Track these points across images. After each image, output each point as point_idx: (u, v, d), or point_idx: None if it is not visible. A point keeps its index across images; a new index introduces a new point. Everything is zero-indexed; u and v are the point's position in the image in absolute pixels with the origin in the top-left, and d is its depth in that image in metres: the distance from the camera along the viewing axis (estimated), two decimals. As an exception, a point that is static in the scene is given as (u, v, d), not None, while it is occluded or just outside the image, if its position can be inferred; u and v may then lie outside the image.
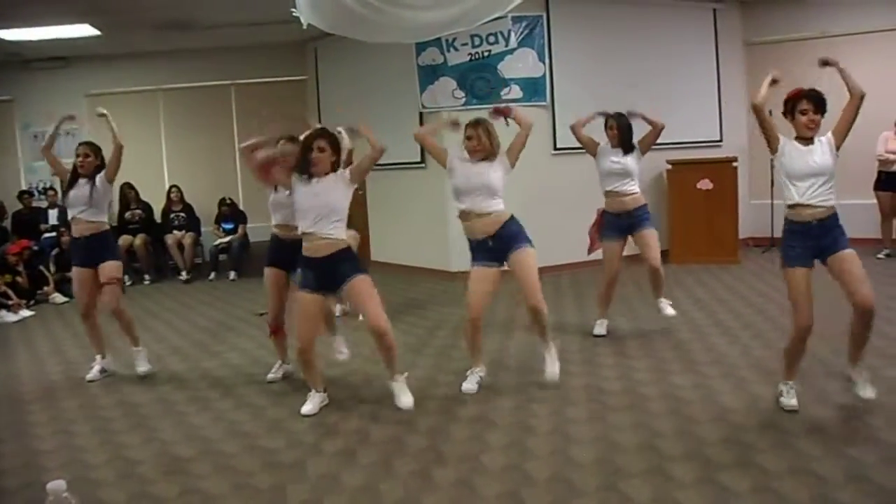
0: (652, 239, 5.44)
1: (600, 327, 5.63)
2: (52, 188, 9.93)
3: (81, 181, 5.04)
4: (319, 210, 4.06)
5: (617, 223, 5.46)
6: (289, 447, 3.81)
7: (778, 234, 4.31)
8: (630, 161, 5.41)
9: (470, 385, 4.55)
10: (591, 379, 4.63)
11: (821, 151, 3.74)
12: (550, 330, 4.63)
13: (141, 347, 5.29)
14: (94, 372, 5.24)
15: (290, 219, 4.75)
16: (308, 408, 4.28)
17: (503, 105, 4.89)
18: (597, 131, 5.63)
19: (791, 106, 3.77)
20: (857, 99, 3.72)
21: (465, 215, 4.47)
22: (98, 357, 5.29)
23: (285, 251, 4.68)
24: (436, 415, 4.16)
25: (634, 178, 5.44)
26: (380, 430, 3.98)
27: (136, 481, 3.49)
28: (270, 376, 5.00)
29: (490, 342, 5.45)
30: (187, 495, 3.33)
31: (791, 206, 3.79)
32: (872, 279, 3.74)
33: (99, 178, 5.04)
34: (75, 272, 5.16)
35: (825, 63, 3.81)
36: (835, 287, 3.78)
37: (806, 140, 3.76)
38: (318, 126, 4.67)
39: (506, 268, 4.49)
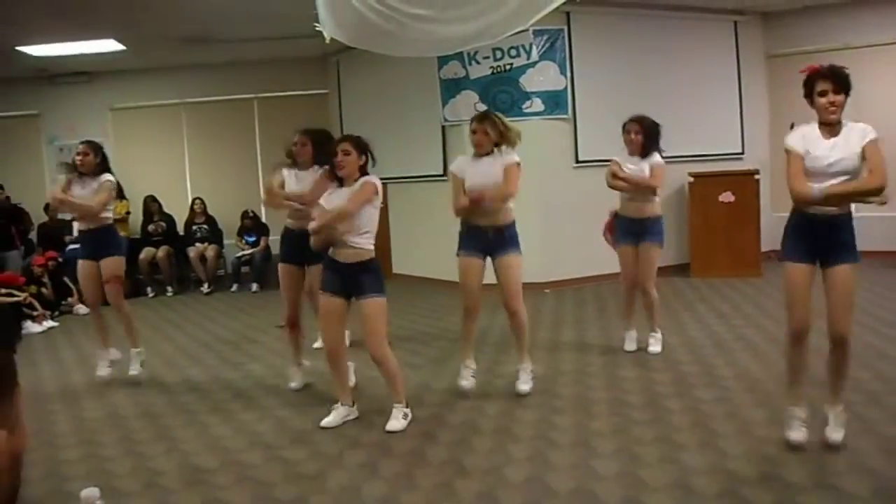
0: (650, 256, 5.28)
1: (630, 342, 5.48)
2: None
3: (88, 178, 5.15)
4: (350, 223, 4.06)
5: (630, 228, 5.32)
6: (310, 458, 3.82)
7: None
8: (647, 166, 5.18)
9: (465, 382, 4.68)
10: (614, 392, 4.60)
11: (845, 144, 3.30)
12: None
13: (140, 349, 5.41)
14: (102, 368, 5.39)
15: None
16: (329, 419, 4.26)
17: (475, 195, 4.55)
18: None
19: (809, 88, 3.37)
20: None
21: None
22: (104, 352, 5.42)
23: (297, 244, 4.73)
24: (457, 427, 4.16)
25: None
26: (401, 441, 3.98)
27: (159, 491, 3.51)
28: (293, 385, 5.03)
29: (510, 358, 5.45)
30: (210, 505, 3.35)
31: None
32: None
33: (105, 177, 5.14)
34: (80, 265, 5.29)
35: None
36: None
37: (830, 128, 3.33)
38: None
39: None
